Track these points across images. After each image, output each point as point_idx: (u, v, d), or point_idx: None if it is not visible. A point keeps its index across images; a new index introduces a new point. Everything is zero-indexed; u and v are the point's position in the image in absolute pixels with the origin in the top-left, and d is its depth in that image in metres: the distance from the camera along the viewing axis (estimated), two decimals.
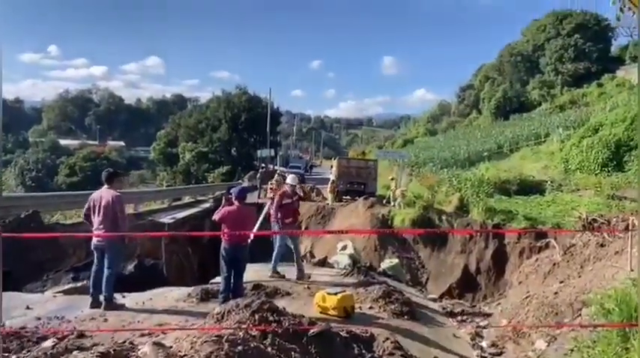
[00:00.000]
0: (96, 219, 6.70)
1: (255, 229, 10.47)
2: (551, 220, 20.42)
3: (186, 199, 27.41)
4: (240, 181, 36.53)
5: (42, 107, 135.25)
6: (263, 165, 46.69)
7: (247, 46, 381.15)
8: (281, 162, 61.00)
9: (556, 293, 6.17)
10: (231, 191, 7.52)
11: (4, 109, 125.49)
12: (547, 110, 47.91)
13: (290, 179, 9.97)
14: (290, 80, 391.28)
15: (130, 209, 18.60)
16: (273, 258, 9.22)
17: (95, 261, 6.74)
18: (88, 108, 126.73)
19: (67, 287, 7.82)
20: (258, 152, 42.80)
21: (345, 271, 9.23)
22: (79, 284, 8.19)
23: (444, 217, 21.25)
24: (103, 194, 6.77)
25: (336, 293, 6.54)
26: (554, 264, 7.39)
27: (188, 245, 20.51)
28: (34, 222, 10.42)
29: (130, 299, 7.14)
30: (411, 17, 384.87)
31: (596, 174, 26.11)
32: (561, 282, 6.58)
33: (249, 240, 7.52)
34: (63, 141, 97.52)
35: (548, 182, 26.65)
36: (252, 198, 28.40)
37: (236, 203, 7.23)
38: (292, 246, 9.38)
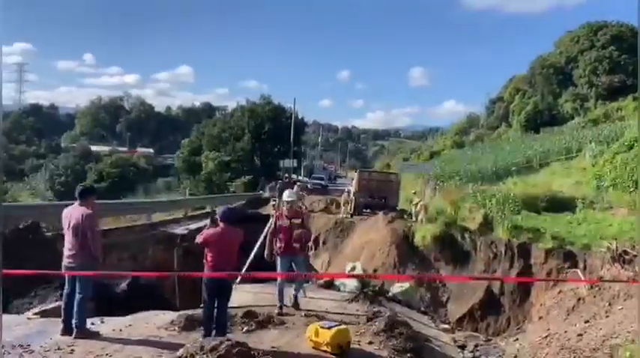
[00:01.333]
0: (66, 239, 6.24)
1: (254, 251, 9.83)
2: (580, 240, 19.22)
3: (208, 208, 27.17)
4: (261, 191, 36.28)
5: (76, 113, 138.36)
6: (287, 175, 46.38)
7: (276, 55, 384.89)
8: (305, 172, 60.61)
9: (580, 335, 5.44)
10: (216, 211, 6.97)
11: (39, 115, 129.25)
12: (580, 124, 46.31)
13: (286, 195, 8.21)
14: (318, 90, 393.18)
15: (142, 219, 18.32)
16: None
17: (66, 283, 6.27)
18: (120, 115, 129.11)
19: (51, 306, 7.38)
20: (281, 162, 42.52)
21: (350, 296, 8.55)
22: None
23: (467, 235, 20.35)
24: (74, 212, 6.28)
25: (329, 328, 5.91)
26: (579, 299, 6.58)
27: None
28: (33, 233, 10.11)
29: (108, 325, 6.64)
30: (441, 28, 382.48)
31: (630, 192, 24.74)
32: (586, 322, 5.81)
33: (243, 266, 6.92)
34: (94, 147, 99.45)
35: (579, 199, 25.37)
36: (269, 209, 27.98)
37: (221, 224, 6.57)
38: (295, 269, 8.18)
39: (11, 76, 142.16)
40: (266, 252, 8.18)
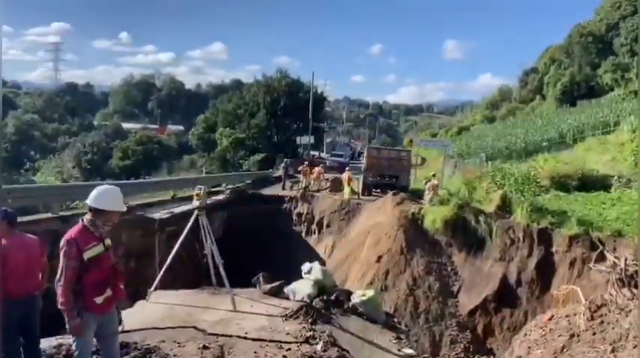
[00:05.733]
0: None
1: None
2: (611, 225, 16.90)
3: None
4: (270, 170, 34.84)
5: (110, 92, 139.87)
6: (307, 152, 44.76)
7: (308, 30, 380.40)
8: (328, 149, 58.71)
9: None
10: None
11: (75, 94, 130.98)
12: (620, 96, 42.93)
13: (101, 197, 4.45)
14: (350, 66, 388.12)
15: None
16: None
17: None
18: (151, 93, 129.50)
19: None
20: (297, 139, 40.91)
21: (288, 312, 6.74)
22: None
23: (481, 218, 18.37)
24: None
25: None
26: (572, 336, 4.70)
27: (195, 240, 18.67)
28: None
29: None
30: None
31: None
32: None
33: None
34: (126, 125, 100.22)
35: (615, 177, 22.99)
36: (276, 189, 26.51)
37: (16, 231, 4.77)
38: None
39: (49, 55, 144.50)
40: (67, 315, 4.18)
